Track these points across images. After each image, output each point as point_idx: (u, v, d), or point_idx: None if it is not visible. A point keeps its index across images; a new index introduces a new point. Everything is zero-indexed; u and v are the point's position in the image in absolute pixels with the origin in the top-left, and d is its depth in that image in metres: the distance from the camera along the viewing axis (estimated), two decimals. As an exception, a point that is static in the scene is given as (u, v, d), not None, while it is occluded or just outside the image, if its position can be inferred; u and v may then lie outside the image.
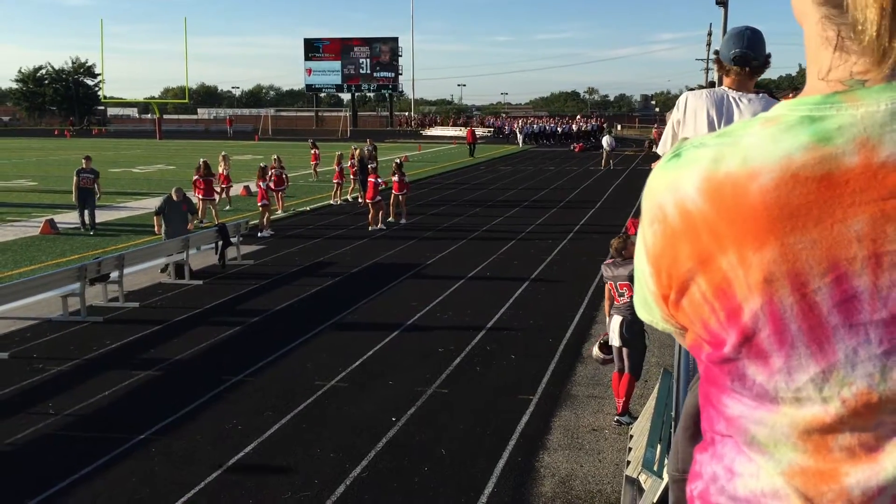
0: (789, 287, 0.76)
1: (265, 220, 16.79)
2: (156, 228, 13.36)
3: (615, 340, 6.87)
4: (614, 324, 6.85)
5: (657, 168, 0.88)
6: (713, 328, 0.82)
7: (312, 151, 28.86)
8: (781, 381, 0.79)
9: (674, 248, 0.83)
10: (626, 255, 6.94)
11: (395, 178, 18.56)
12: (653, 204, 0.86)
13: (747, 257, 0.77)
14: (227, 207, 20.49)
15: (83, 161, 17.64)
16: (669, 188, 0.84)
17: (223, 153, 21.67)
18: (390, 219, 18.55)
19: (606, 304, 7.16)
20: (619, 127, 72.89)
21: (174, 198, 13.06)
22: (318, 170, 29.06)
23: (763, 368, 0.80)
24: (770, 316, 0.77)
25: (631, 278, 6.71)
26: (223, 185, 20.23)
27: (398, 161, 19.30)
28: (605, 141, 37.11)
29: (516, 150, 50.34)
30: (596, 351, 7.09)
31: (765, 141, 0.79)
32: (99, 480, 5.77)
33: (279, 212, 19.76)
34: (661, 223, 0.84)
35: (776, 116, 0.81)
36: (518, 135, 58.32)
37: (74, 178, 17.21)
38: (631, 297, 6.77)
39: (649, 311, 0.95)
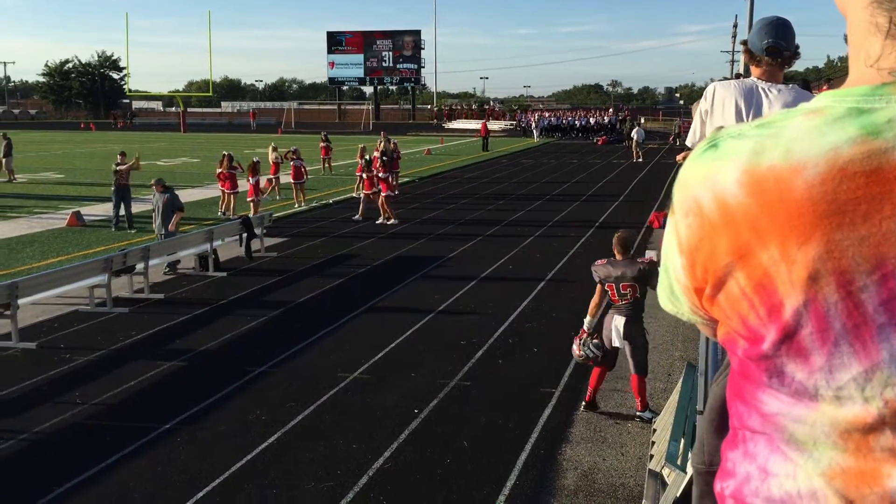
0: (834, 284, 0.74)
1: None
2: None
3: (616, 341, 6.72)
4: (616, 323, 6.69)
5: (692, 158, 0.86)
6: (752, 324, 0.80)
7: (322, 145, 28.31)
8: (822, 379, 0.77)
9: (711, 242, 0.81)
10: (630, 255, 6.79)
11: (366, 176, 18.22)
12: (687, 196, 0.84)
13: (791, 253, 0.75)
14: (277, 197, 20.65)
15: (118, 157, 16.94)
16: (706, 180, 0.82)
17: (272, 144, 21.55)
18: (357, 216, 18.05)
19: (595, 302, 6.78)
20: (642, 120, 72.40)
21: (155, 191, 12.89)
22: (331, 164, 28.58)
23: (803, 366, 0.78)
24: (813, 313, 0.75)
25: (635, 279, 6.54)
26: (273, 176, 20.00)
27: (373, 156, 18.88)
28: (635, 132, 37.19)
29: (534, 143, 49.87)
30: (589, 350, 6.72)
31: (810, 133, 0.77)
32: (125, 469, 5.84)
33: (301, 205, 19.83)
34: (697, 216, 0.82)
35: (821, 108, 0.79)
36: (534, 128, 55.50)
37: (114, 175, 16.51)
38: (634, 297, 6.64)
39: (675, 302, 0.93)
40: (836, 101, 0.78)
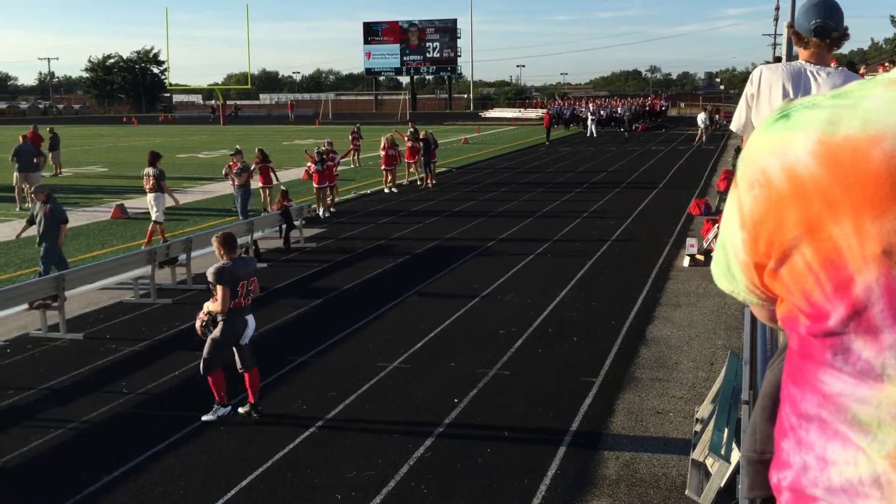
0: None
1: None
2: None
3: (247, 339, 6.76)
4: (251, 322, 6.82)
5: (760, 129, 0.84)
6: (816, 300, 0.78)
7: (351, 137, 27.28)
8: (891, 357, 0.75)
9: (778, 214, 0.79)
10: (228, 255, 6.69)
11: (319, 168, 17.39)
12: (754, 167, 0.82)
13: (864, 226, 0.73)
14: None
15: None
16: (776, 150, 0.79)
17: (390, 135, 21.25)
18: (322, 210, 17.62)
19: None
20: (682, 105, 71.45)
21: (36, 201, 11.05)
22: (359, 156, 27.84)
23: (872, 344, 0.75)
24: (886, 289, 0.73)
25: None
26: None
27: (320, 150, 18.03)
28: (700, 118, 37.14)
29: (576, 132, 49.13)
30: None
31: (889, 103, 0.74)
32: (171, 457, 5.95)
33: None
34: (764, 188, 0.80)
35: None
36: (589, 122, 47.32)
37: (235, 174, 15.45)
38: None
39: (731, 280, 0.91)
40: None
